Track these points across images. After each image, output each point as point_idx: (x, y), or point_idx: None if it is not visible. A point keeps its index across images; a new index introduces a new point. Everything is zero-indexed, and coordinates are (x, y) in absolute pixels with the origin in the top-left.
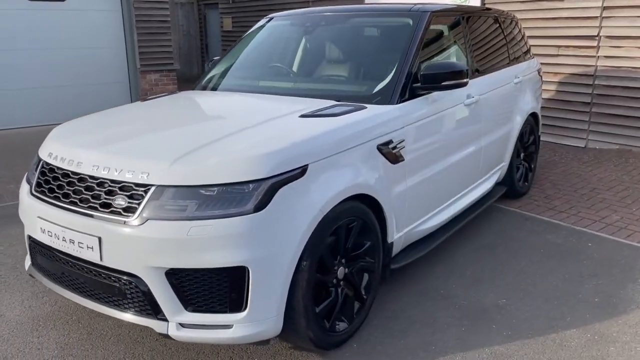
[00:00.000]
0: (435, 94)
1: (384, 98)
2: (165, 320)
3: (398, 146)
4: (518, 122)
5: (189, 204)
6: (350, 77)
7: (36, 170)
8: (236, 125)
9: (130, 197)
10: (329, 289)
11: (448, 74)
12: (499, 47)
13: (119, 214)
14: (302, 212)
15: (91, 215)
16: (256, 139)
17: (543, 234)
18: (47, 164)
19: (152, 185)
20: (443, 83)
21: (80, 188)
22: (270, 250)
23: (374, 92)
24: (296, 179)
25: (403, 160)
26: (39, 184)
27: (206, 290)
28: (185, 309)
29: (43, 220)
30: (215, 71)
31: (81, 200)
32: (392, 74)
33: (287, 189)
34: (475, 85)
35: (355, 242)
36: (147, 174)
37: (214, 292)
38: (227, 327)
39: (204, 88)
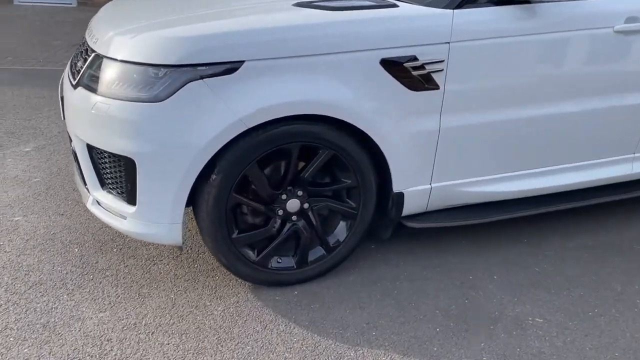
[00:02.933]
0: (546, 4)
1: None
2: (88, 192)
3: (428, 67)
4: None
5: (102, 77)
6: None
7: None
8: (206, 7)
9: (83, 61)
10: (266, 218)
11: None
12: None
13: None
14: (214, 116)
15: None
16: (201, 22)
17: None
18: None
19: (93, 52)
20: None
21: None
22: (162, 148)
23: None
24: (220, 74)
25: (437, 88)
26: None
27: (113, 175)
28: (102, 187)
29: None
30: None
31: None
32: None
33: (202, 84)
34: None
35: (322, 176)
36: (96, 41)
37: (117, 178)
38: (123, 217)
39: None
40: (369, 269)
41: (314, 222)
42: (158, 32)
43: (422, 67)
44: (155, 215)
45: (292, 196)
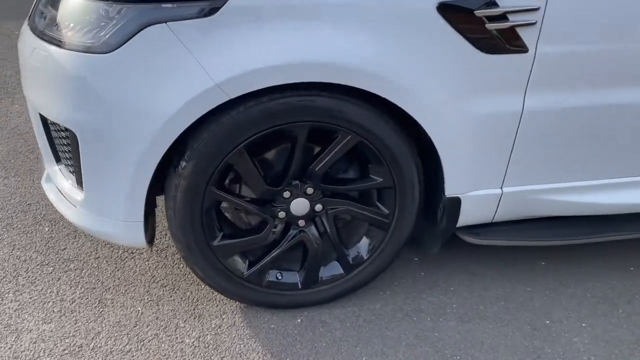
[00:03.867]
0: None
1: None
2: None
3: (514, 17)
4: None
5: (49, 14)
6: None
7: None
8: None
9: None
10: (262, 221)
11: None
12: None
13: None
14: (182, 77)
15: None
16: None
17: None
18: None
19: None
20: None
21: None
22: (109, 118)
23: None
24: (193, 17)
25: (524, 51)
26: None
27: (63, 148)
28: (56, 162)
29: None
30: None
31: None
32: None
33: (166, 30)
34: None
35: (343, 169)
36: None
37: (66, 155)
38: (74, 205)
39: None
40: (404, 295)
41: (329, 231)
42: None
43: (503, 17)
44: (106, 209)
45: (298, 194)
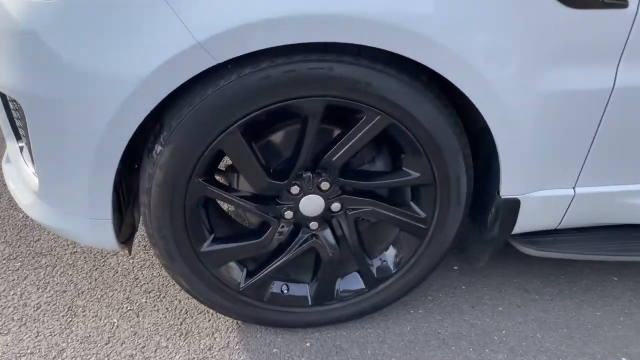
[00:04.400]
0: None
1: None
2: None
3: None
4: None
5: None
6: None
7: None
8: None
9: None
10: (262, 224)
11: None
12: None
13: None
14: (152, 33)
15: None
16: None
17: None
18: None
19: None
20: None
21: None
22: (60, 87)
23: None
24: None
25: (623, 5)
26: None
27: (20, 126)
28: (17, 140)
29: None
30: None
31: None
32: None
33: None
34: None
35: (369, 161)
36: None
37: (23, 133)
38: (30, 194)
39: None
40: (441, 315)
41: (348, 236)
42: None
43: None
44: (65, 201)
45: (310, 190)
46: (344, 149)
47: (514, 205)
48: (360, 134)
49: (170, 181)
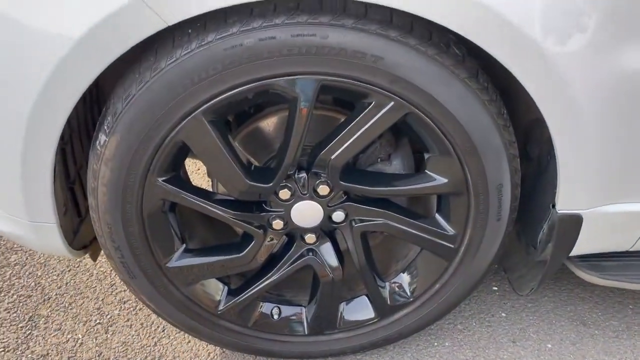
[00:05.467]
0: None
1: None
2: None
3: None
4: None
5: None
6: None
7: None
8: None
9: None
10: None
11: None
12: None
13: None
14: None
15: None
16: None
17: None
18: None
19: None
20: None
21: None
22: None
23: None
24: None
25: None
26: None
27: None
28: None
29: None
30: None
31: None
32: None
33: None
34: None
35: (382, 160)
36: None
37: None
38: None
39: None
40: (474, 350)
41: (354, 254)
42: None
43: None
44: (8, 204)
45: (304, 195)
46: (347, 144)
47: (574, 222)
48: (367, 125)
49: (119, 180)
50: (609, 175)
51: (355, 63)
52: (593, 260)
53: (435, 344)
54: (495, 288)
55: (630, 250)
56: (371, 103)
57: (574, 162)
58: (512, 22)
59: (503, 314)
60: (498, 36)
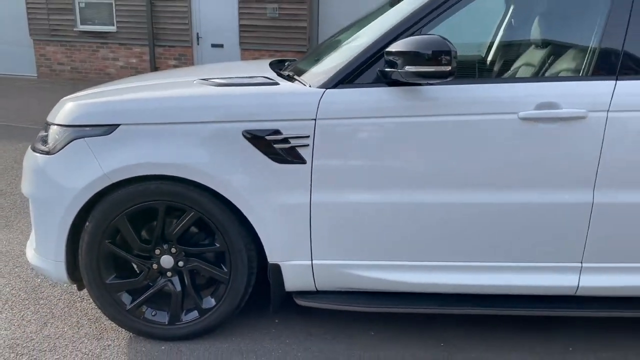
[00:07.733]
0: (443, 87)
1: (314, 78)
2: None
3: (293, 141)
4: None
5: (42, 137)
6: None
7: None
8: (135, 82)
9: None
10: (145, 270)
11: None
12: None
13: None
14: (87, 170)
15: None
16: (107, 94)
17: None
18: None
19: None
20: (409, 68)
21: None
22: (46, 193)
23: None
24: (97, 135)
25: (303, 162)
26: None
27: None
28: None
29: None
30: None
31: None
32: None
33: (83, 142)
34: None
35: (192, 236)
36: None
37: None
38: (32, 250)
39: None
40: (251, 341)
41: (186, 281)
42: (72, 101)
43: (285, 140)
44: (44, 250)
45: (165, 252)
46: (176, 229)
47: (277, 269)
48: (184, 221)
49: (91, 241)
50: (286, 246)
51: (179, 196)
52: (306, 293)
53: (231, 338)
54: (277, 321)
55: (321, 290)
56: (185, 212)
57: (269, 239)
58: (231, 185)
59: (271, 333)
60: (229, 189)
